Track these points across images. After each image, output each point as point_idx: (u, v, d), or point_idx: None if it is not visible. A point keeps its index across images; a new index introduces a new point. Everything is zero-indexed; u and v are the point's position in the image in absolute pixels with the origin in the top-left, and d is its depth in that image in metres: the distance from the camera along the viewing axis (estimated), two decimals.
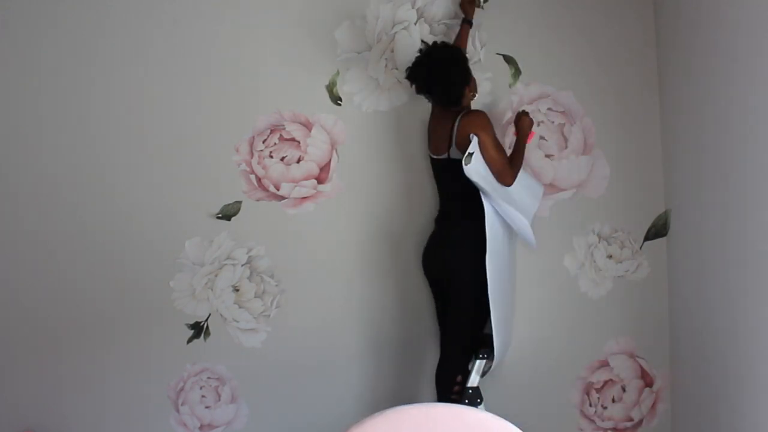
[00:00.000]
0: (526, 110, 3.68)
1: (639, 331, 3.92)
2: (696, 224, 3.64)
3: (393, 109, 3.86)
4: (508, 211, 3.49)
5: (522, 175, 3.56)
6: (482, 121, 3.44)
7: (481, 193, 3.46)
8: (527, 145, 3.59)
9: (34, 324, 3.72)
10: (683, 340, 3.79)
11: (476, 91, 3.59)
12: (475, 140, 3.39)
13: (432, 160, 3.64)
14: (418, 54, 3.50)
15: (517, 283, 3.77)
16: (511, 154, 3.53)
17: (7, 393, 3.71)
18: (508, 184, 3.45)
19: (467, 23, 3.75)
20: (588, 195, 3.91)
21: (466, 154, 3.37)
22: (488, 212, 3.45)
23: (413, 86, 3.50)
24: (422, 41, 3.73)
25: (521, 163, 3.52)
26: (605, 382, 3.93)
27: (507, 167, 3.43)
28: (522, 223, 3.54)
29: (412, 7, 3.85)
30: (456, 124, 3.47)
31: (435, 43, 3.58)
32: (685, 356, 3.77)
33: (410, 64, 3.50)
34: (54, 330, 3.73)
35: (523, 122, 3.58)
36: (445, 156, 3.52)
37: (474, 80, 3.55)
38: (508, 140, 3.78)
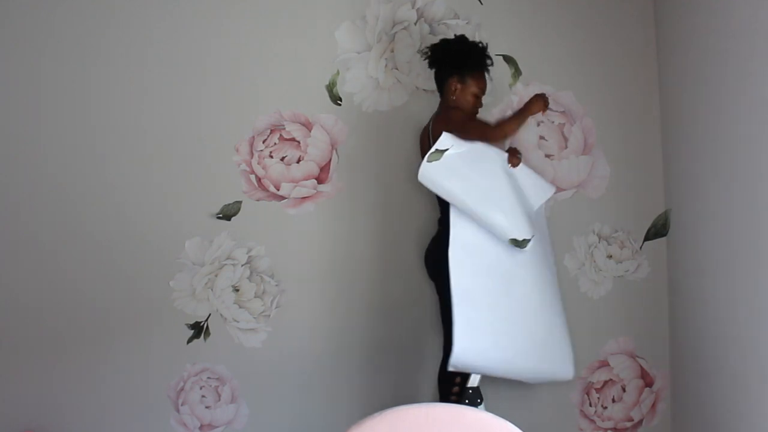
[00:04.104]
0: (547, 95, 3.49)
1: (639, 331, 3.92)
2: (696, 224, 3.64)
3: (393, 109, 3.86)
4: (478, 212, 3.35)
5: (528, 172, 3.54)
6: (447, 116, 3.42)
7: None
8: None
9: (34, 324, 3.72)
10: (683, 340, 3.79)
11: (477, 93, 3.48)
12: (442, 138, 3.31)
13: None
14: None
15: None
16: (508, 116, 3.46)
17: (7, 393, 3.70)
18: (500, 139, 3.40)
19: None
20: (588, 195, 3.91)
21: (433, 150, 3.28)
22: (452, 211, 3.38)
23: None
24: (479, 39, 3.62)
25: (516, 126, 3.39)
26: (605, 382, 3.93)
27: (487, 128, 3.40)
28: (499, 221, 3.36)
29: (412, 7, 3.85)
30: (429, 127, 3.47)
31: (462, 36, 3.54)
32: (685, 356, 3.77)
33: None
34: (54, 330, 3.73)
35: (534, 103, 3.41)
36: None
37: (472, 79, 3.46)
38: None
